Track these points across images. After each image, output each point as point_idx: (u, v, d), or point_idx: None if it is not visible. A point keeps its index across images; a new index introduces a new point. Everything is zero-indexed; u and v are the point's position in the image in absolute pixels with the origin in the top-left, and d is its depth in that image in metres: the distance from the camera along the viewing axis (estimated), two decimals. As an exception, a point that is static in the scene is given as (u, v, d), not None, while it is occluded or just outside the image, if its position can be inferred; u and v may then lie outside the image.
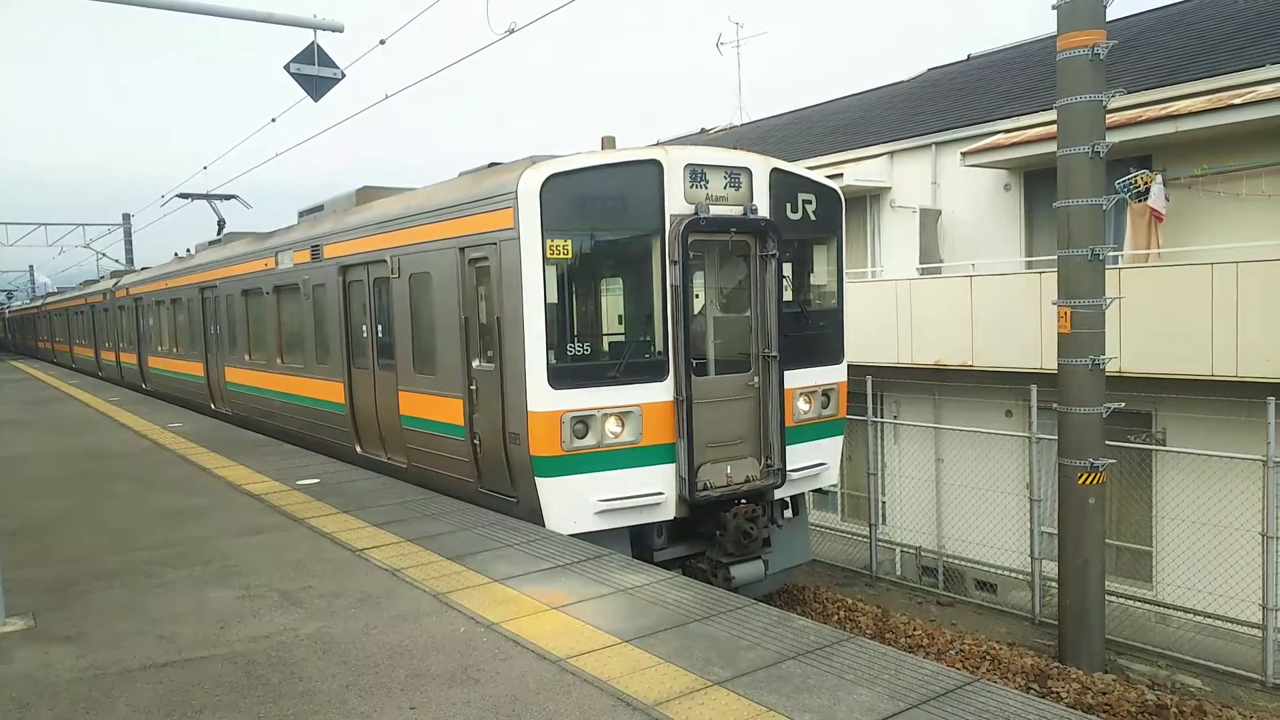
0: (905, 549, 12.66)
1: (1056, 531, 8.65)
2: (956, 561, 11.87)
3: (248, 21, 10.13)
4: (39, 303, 45.12)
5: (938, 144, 14.40)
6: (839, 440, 9.04)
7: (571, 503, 7.25)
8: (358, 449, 10.40)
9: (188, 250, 19.13)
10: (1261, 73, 10.71)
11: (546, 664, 4.30)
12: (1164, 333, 9.85)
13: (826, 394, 8.74)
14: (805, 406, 8.50)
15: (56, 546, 6.80)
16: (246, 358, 13.90)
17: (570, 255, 7.25)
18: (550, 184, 7.09)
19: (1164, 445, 10.50)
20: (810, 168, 10.65)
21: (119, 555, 6.45)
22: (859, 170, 14.97)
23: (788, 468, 8.08)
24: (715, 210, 7.66)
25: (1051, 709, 3.85)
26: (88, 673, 4.38)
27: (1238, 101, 10.17)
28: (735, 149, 8.33)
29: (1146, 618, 9.62)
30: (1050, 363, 9.08)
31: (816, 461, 8.61)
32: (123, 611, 5.25)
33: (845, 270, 9.23)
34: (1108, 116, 8.50)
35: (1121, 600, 9.44)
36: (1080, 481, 8.21)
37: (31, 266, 61.91)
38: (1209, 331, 9.52)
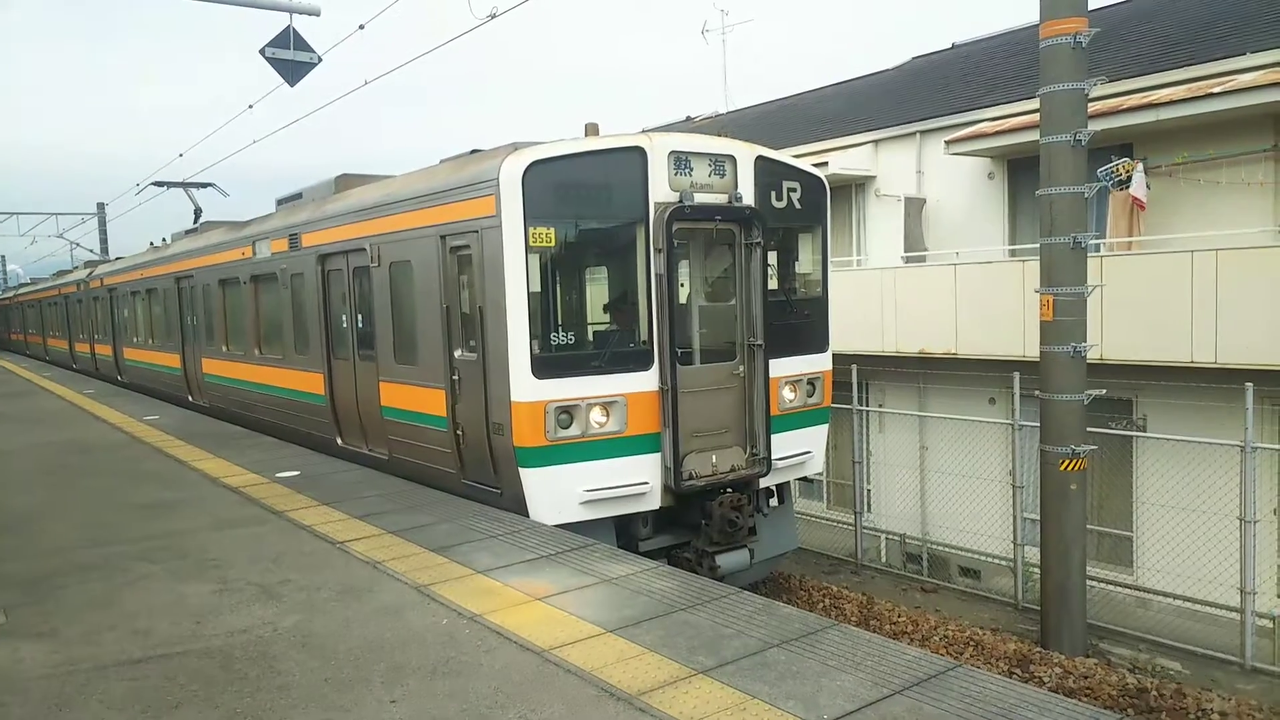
0: (890, 536, 12.71)
1: (1039, 518, 8.70)
2: (940, 548, 11.94)
3: (223, 5, 9.94)
4: (11, 293, 44.41)
5: (922, 133, 14.42)
6: (824, 428, 9.04)
7: (556, 493, 7.20)
8: (338, 441, 10.28)
9: (163, 239, 18.84)
10: (1241, 61, 10.77)
11: (530, 655, 4.25)
12: (1145, 320, 9.92)
13: (812, 382, 8.73)
14: (790, 395, 8.48)
15: (30, 541, 6.67)
16: (224, 349, 13.72)
17: (553, 243, 7.17)
18: (533, 171, 7.01)
19: (1144, 431, 10.59)
20: (796, 156, 10.61)
21: (94, 550, 6.33)
22: (844, 159, 14.97)
23: (773, 456, 8.07)
24: (700, 198, 7.60)
25: (1033, 693, 3.86)
26: (60, 669, 4.29)
27: (1217, 90, 10.22)
28: (719, 137, 8.28)
29: (1127, 602, 9.71)
30: (1033, 350, 9.11)
31: (802, 450, 8.60)
32: (97, 606, 5.15)
33: (830, 259, 9.21)
34: (1090, 105, 8.51)
35: (1103, 585, 9.52)
36: (1062, 468, 8.25)
37: (3, 256, 60.93)
38: (1189, 319, 9.59)
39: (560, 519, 7.11)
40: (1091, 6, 8.24)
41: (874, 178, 15.15)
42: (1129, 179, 11.03)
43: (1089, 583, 8.68)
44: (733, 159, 7.89)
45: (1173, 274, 9.75)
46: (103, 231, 36.79)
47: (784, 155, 8.99)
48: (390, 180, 9.84)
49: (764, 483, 8.29)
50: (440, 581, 5.35)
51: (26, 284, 41.98)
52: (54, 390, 19.04)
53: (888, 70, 19.98)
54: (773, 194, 8.24)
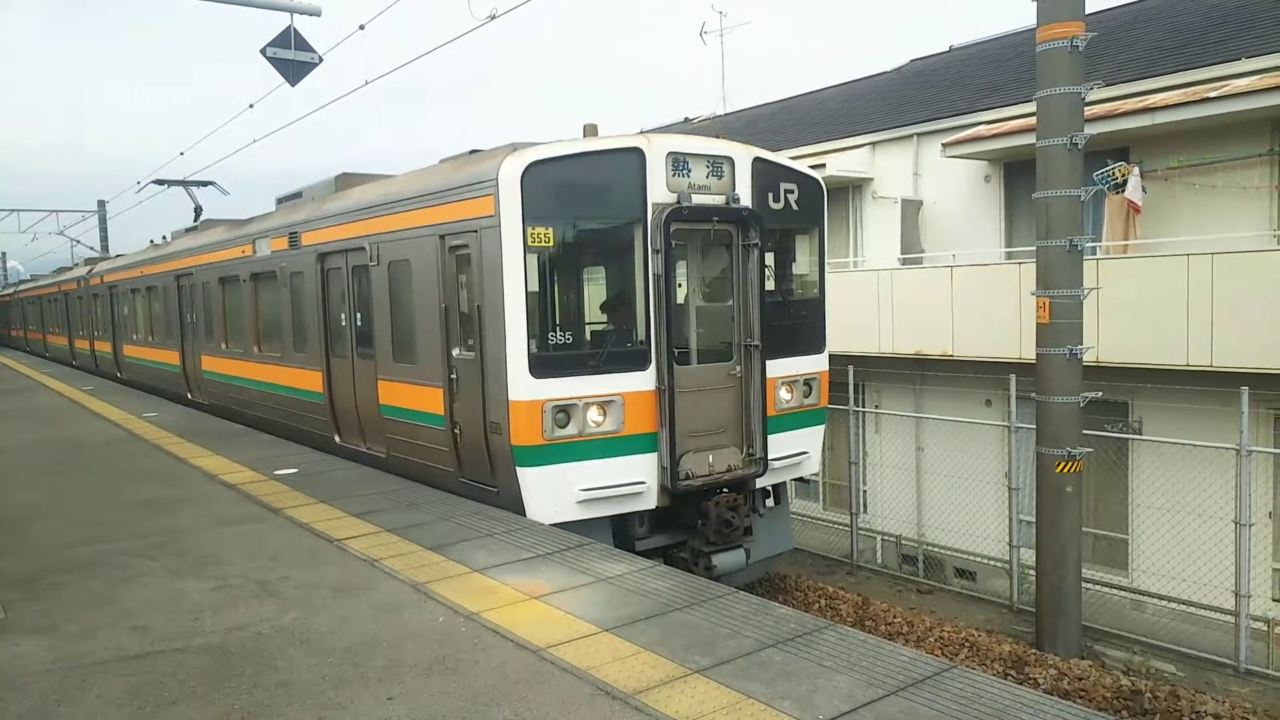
0: (886, 537, 12.74)
1: (1034, 519, 8.73)
2: (936, 550, 11.96)
3: (225, 5, 9.96)
4: (11, 290, 44.40)
5: (919, 135, 14.44)
6: (820, 429, 9.07)
7: (553, 492, 7.22)
8: (336, 439, 10.30)
9: (164, 237, 18.86)
10: (1237, 66, 10.80)
11: (526, 653, 4.28)
12: (1141, 323, 9.95)
13: (808, 383, 8.76)
14: (787, 396, 8.51)
15: (29, 538, 6.69)
16: (223, 346, 13.74)
17: (552, 243, 7.20)
18: (531, 171, 7.03)
19: (1140, 434, 10.61)
20: (793, 158, 10.64)
21: (93, 546, 6.35)
22: (841, 161, 14.99)
23: (769, 457, 8.10)
24: (698, 199, 7.63)
25: (1028, 694, 3.88)
26: (59, 664, 4.31)
27: (1213, 95, 10.25)
28: (717, 138, 8.31)
29: (1122, 604, 9.74)
30: (1029, 352, 9.15)
31: (798, 450, 8.63)
32: (96, 603, 5.17)
33: (827, 260, 9.24)
34: (1086, 109, 8.54)
35: (1098, 587, 9.55)
36: (1058, 470, 8.28)
37: (4, 253, 60.85)
38: (1184, 322, 9.62)
39: (557, 518, 7.13)
40: (1089, 10, 8.27)
41: (871, 180, 15.17)
42: (1125, 182, 11.06)
43: (1084, 585, 8.71)
44: (730, 160, 7.92)
45: (1169, 277, 9.78)
46: (103, 229, 36.78)
47: (781, 157, 9.02)
48: (390, 180, 9.86)
49: (760, 483, 8.31)
50: (437, 579, 5.37)
51: (27, 281, 41.95)
52: (53, 387, 19.04)
53: (885, 73, 20.01)
54: (770, 195, 8.27)
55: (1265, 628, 8.65)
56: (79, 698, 3.95)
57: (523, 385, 7.09)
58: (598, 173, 7.44)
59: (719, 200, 7.79)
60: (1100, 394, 8.72)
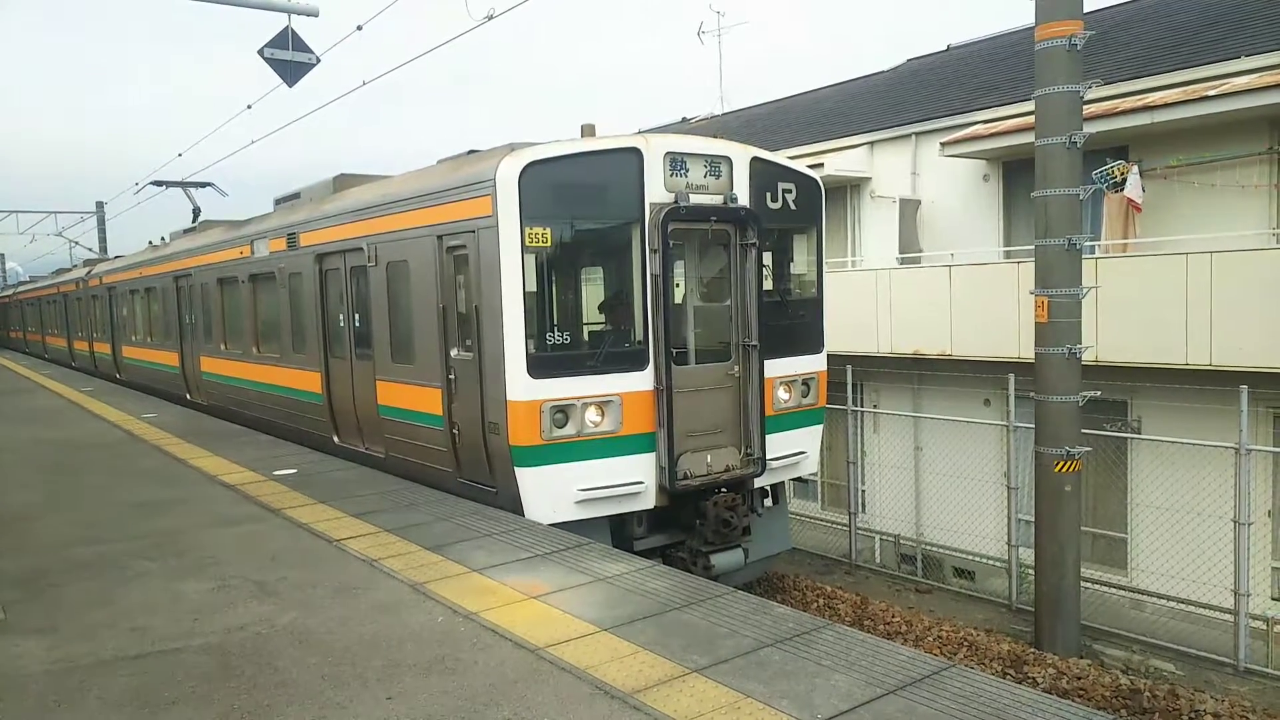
0: (884, 537, 12.75)
1: (1033, 519, 8.74)
2: (935, 549, 11.97)
3: (222, 5, 9.96)
4: (10, 291, 44.40)
5: (917, 134, 14.44)
6: (819, 429, 9.07)
7: (551, 492, 7.22)
8: (335, 439, 10.30)
9: (162, 238, 18.86)
10: (1236, 64, 10.80)
11: (525, 653, 4.28)
12: (1140, 322, 9.96)
13: (806, 383, 8.76)
14: (785, 395, 8.51)
15: (28, 538, 6.69)
16: (222, 347, 13.74)
17: (549, 243, 7.20)
18: (529, 171, 7.04)
19: (1139, 433, 10.62)
20: (791, 157, 10.65)
21: (92, 547, 6.35)
22: (839, 160, 14.98)
23: (768, 456, 8.10)
24: (695, 199, 7.63)
25: (1027, 693, 3.89)
26: (59, 665, 4.31)
27: (1212, 93, 10.25)
28: (715, 138, 8.32)
29: (1121, 604, 9.74)
30: (1028, 352, 9.15)
31: (796, 450, 8.63)
32: (95, 603, 5.17)
33: (825, 260, 9.24)
34: (1085, 107, 8.54)
35: (1097, 586, 9.56)
36: (1056, 469, 8.29)
37: (2, 254, 60.78)
38: (1183, 321, 9.63)
39: (555, 518, 7.13)
40: (1087, 9, 8.28)
41: (869, 179, 15.17)
42: (1124, 181, 11.06)
43: (1083, 584, 8.71)
44: (728, 160, 7.92)
45: (1168, 276, 9.79)
46: (101, 230, 36.76)
47: (779, 156, 9.03)
48: (388, 180, 9.87)
49: (759, 483, 8.32)
50: (436, 579, 5.37)
51: (25, 282, 41.93)
52: (52, 388, 19.03)
53: (883, 72, 20.01)
54: (768, 195, 8.27)
55: (1264, 626, 8.65)
56: (78, 699, 3.95)
57: (521, 385, 7.09)
58: (595, 173, 7.45)
59: (717, 200, 7.79)
60: (1099, 393, 8.72)
